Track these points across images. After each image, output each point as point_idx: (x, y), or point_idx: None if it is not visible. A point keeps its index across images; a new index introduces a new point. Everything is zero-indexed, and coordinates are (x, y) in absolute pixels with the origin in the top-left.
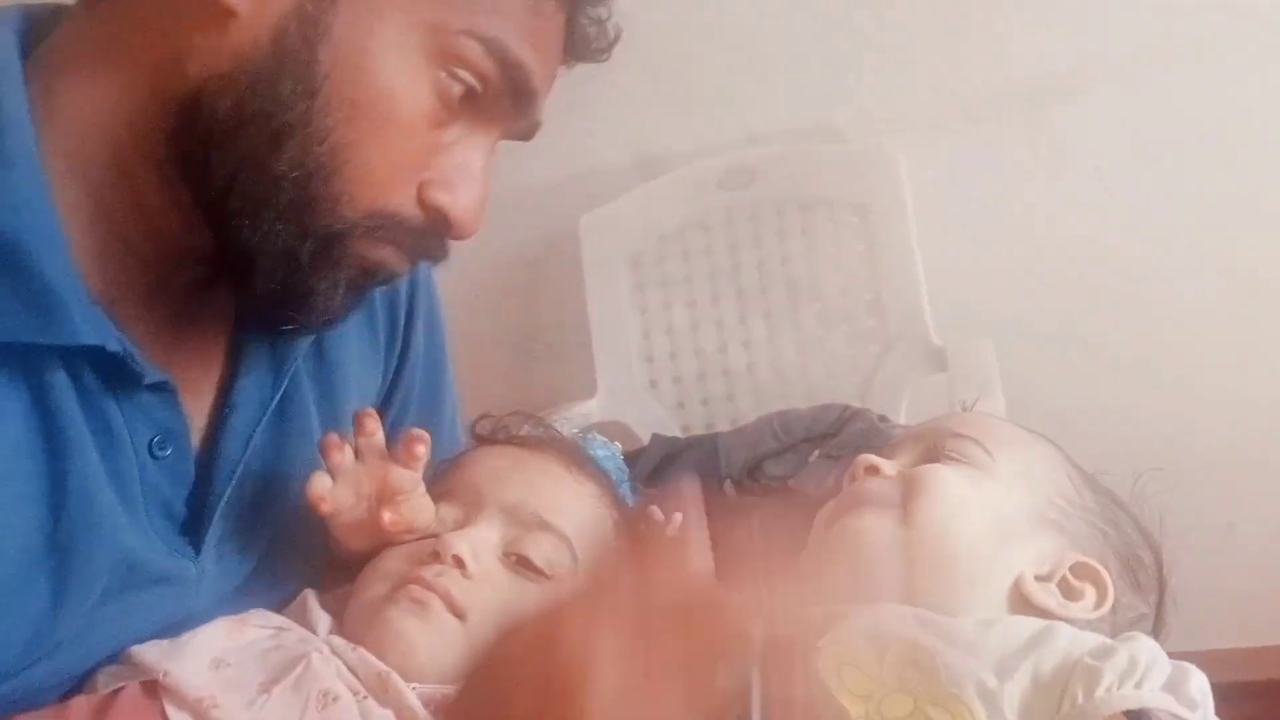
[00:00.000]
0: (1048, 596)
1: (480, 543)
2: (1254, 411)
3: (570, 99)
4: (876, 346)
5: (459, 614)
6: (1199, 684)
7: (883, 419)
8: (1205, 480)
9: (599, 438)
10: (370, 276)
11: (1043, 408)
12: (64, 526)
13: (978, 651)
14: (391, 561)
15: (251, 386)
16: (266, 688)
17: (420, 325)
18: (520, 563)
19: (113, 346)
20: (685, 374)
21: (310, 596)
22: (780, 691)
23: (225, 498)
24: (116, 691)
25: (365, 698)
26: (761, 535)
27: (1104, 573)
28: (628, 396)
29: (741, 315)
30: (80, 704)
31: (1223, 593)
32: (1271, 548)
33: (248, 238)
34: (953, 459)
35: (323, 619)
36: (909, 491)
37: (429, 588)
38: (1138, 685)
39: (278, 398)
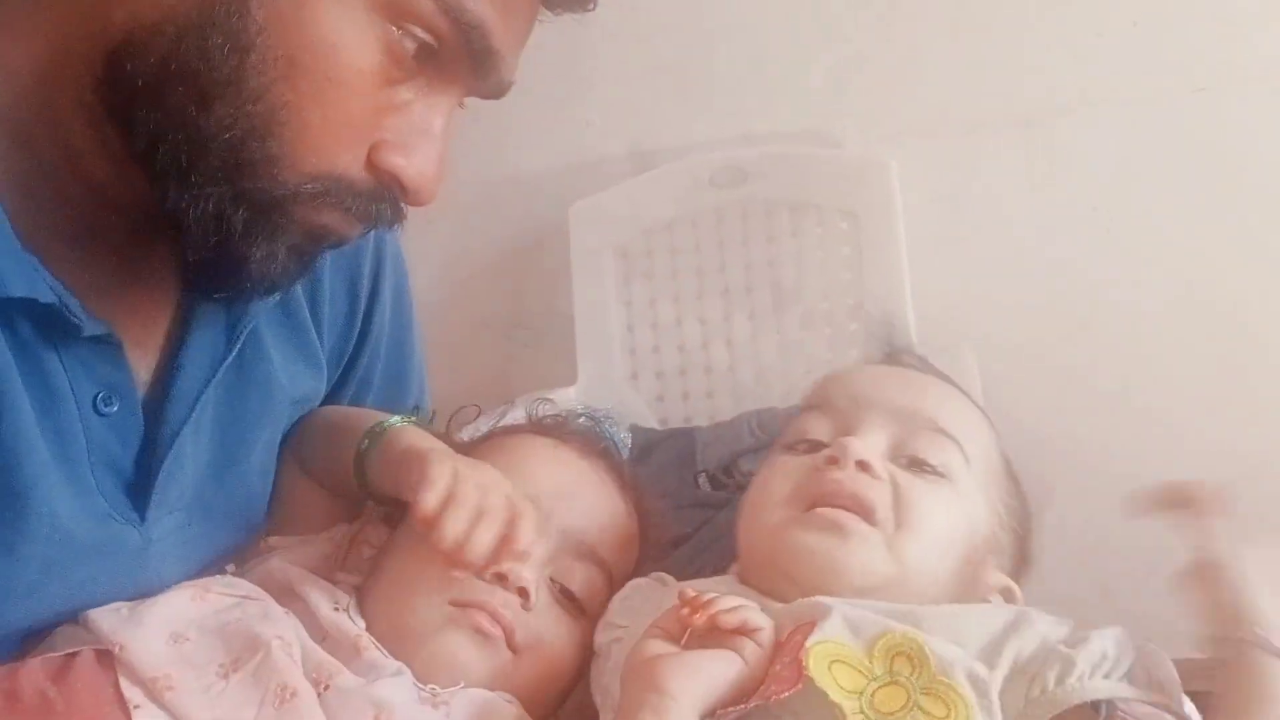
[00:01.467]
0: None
1: (540, 571)
2: (1227, 451)
3: (569, 88)
4: (857, 351)
5: (515, 650)
6: (1165, 670)
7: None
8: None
9: (616, 421)
10: (316, 242)
11: (1015, 426)
12: None
13: (963, 640)
14: (448, 564)
15: (202, 345)
16: (225, 673)
17: (386, 305)
18: (563, 593)
19: (45, 298)
20: (667, 368)
21: (297, 576)
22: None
23: (171, 457)
24: (71, 656)
25: (327, 689)
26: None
27: (1015, 590)
28: (608, 387)
29: (726, 313)
30: (35, 666)
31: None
32: None
33: (175, 200)
34: (930, 471)
35: (324, 597)
36: (899, 510)
37: (497, 620)
38: (1106, 675)
39: (232, 356)
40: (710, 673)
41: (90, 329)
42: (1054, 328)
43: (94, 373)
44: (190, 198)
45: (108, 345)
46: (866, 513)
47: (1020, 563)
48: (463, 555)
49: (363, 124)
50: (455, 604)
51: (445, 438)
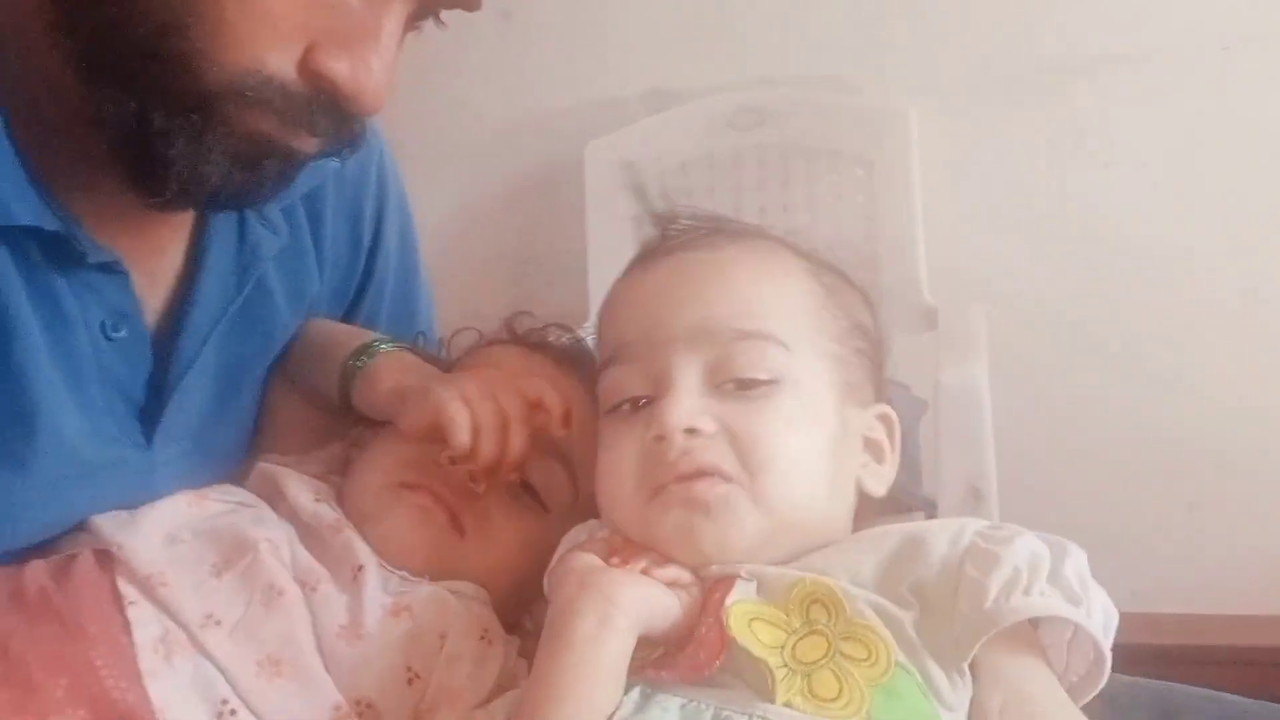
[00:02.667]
0: (874, 481)
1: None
2: (1235, 412)
3: (588, 24)
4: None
5: (460, 531)
6: (1075, 567)
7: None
8: (1170, 466)
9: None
10: (259, 151)
11: (1024, 382)
12: (6, 403)
13: (858, 577)
14: (404, 453)
15: (213, 285)
16: (217, 571)
17: (391, 246)
18: (522, 486)
19: (50, 226)
20: None
21: (283, 473)
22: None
23: (180, 389)
24: (72, 556)
25: (314, 591)
26: None
27: (890, 413)
28: None
29: None
30: (37, 566)
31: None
32: (1231, 526)
33: (98, 100)
34: (758, 385)
35: (305, 489)
36: (744, 455)
37: (439, 499)
38: (1025, 592)
39: (240, 300)
40: (658, 601)
41: (95, 256)
42: (1066, 285)
43: (101, 299)
44: (111, 96)
45: (115, 273)
46: (716, 476)
47: (881, 376)
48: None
49: (287, 20)
50: (403, 485)
51: (435, 359)
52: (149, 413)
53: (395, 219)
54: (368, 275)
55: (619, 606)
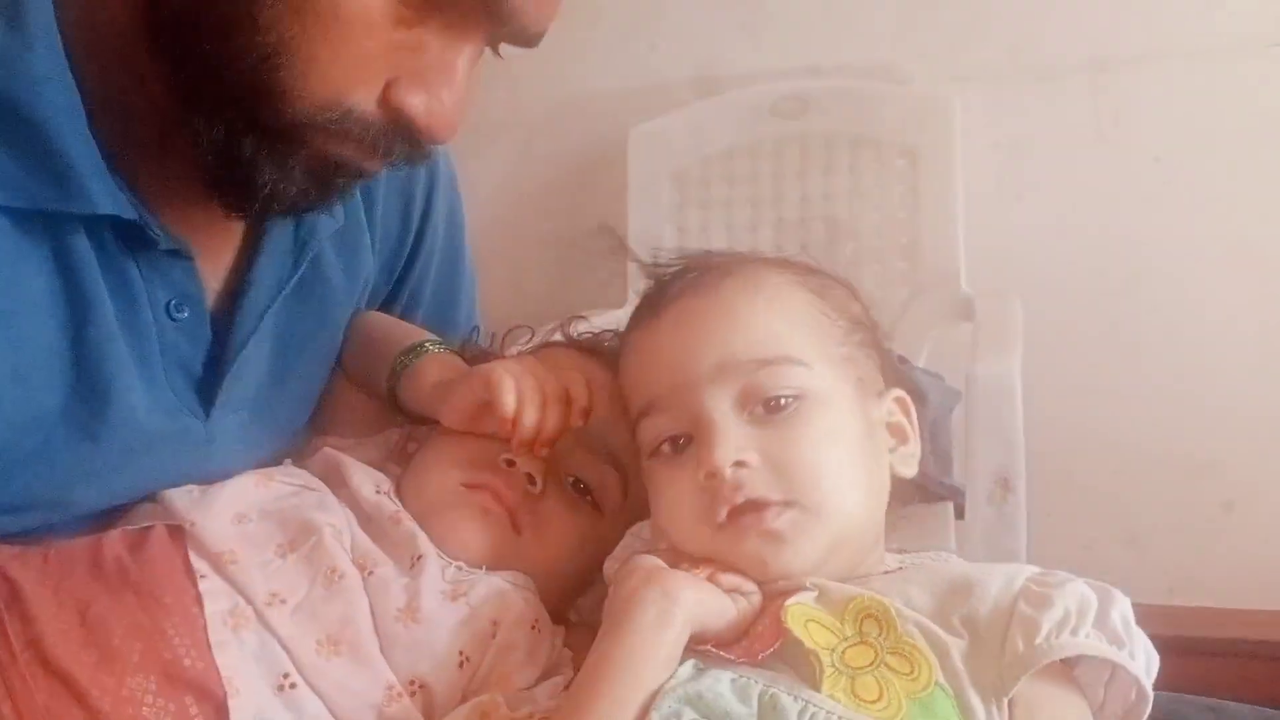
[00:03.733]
0: (903, 465)
1: (552, 462)
2: (1267, 415)
3: (636, 9)
4: (906, 290)
5: (518, 529)
6: (1121, 613)
7: (904, 361)
8: (1206, 464)
9: None
10: (334, 171)
11: (1057, 376)
12: (84, 377)
13: (915, 604)
14: (466, 454)
15: (270, 265)
16: (283, 552)
17: (439, 225)
18: (576, 485)
19: (128, 214)
20: None
21: (346, 462)
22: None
23: (237, 364)
24: (147, 529)
25: (371, 574)
26: None
27: (906, 396)
28: None
29: (778, 246)
30: (115, 537)
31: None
32: (1267, 524)
33: (189, 122)
34: (786, 399)
35: (367, 480)
36: (788, 480)
37: (499, 498)
38: (1073, 632)
39: (296, 278)
40: (714, 604)
41: (166, 243)
42: (1104, 281)
43: (168, 281)
44: (203, 121)
45: (182, 258)
46: (773, 502)
47: (887, 359)
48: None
49: (373, 61)
50: (466, 485)
51: (488, 354)
52: (208, 386)
53: (444, 201)
54: (414, 254)
55: (678, 603)
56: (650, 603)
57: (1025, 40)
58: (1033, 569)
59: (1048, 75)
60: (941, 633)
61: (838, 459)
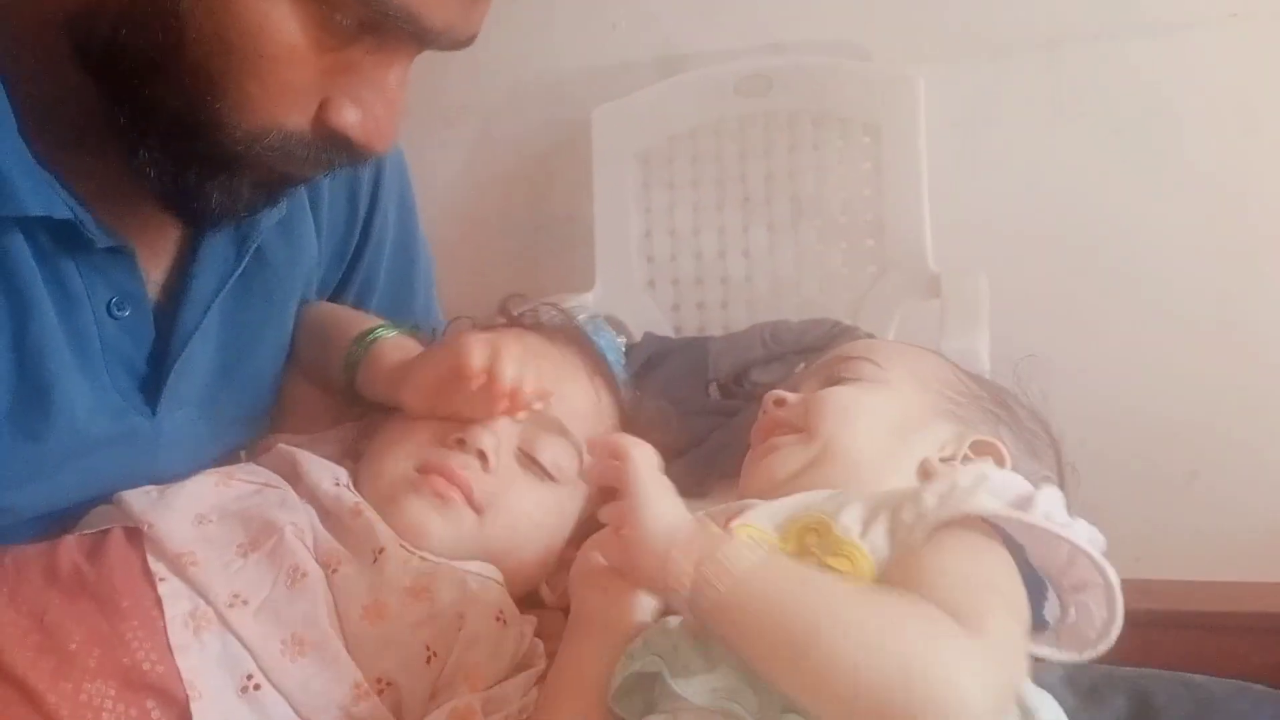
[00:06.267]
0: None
1: (503, 437)
2: (1226, 386)
3: None
4: (873, 267)
5: (477, 509)
6: (1048, 499)
7: (870, 338)
8: (1170, 434)
9: (607, 327)
10: (280, 183)
11: (1023, 350)
12: (26, 380)
13: (853, 513)
14: (417, 437)
15: (212, 258)
16: (244, 552)
17: (389, 210)
18: (529, 462)
19: (61, 214)
20: (684, 277)
21: (302, 456)
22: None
23: (182, 360)
24: (104, 533)
25: (335, 572)
26: (741, 435)
27: (999, 444)
28: (625, 293)
29: (745, 224)
30: (69, 543)
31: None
32: (1229, 494)
33: (135, 155)
34: (848, 379)
35: (325, 473)
36: (810, 412)
37: (452, 480)
38: (966, 496)
39: (239, 270)
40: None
41: (104, 241)
42: (1067, 255)
43: (109, 279)
44: (147, 154)
45: (122, 255)
46: (785, 425)
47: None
48: (516, 392)
49: (305, 88)
50: (420, 470)
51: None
52: (153, 383)
53: (393, 184)
54: (364, 239)
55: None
56: (598, 609)
57: (983, 17)
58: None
59: (1008, 51)
60: (867, 530)
61: (859, 400)
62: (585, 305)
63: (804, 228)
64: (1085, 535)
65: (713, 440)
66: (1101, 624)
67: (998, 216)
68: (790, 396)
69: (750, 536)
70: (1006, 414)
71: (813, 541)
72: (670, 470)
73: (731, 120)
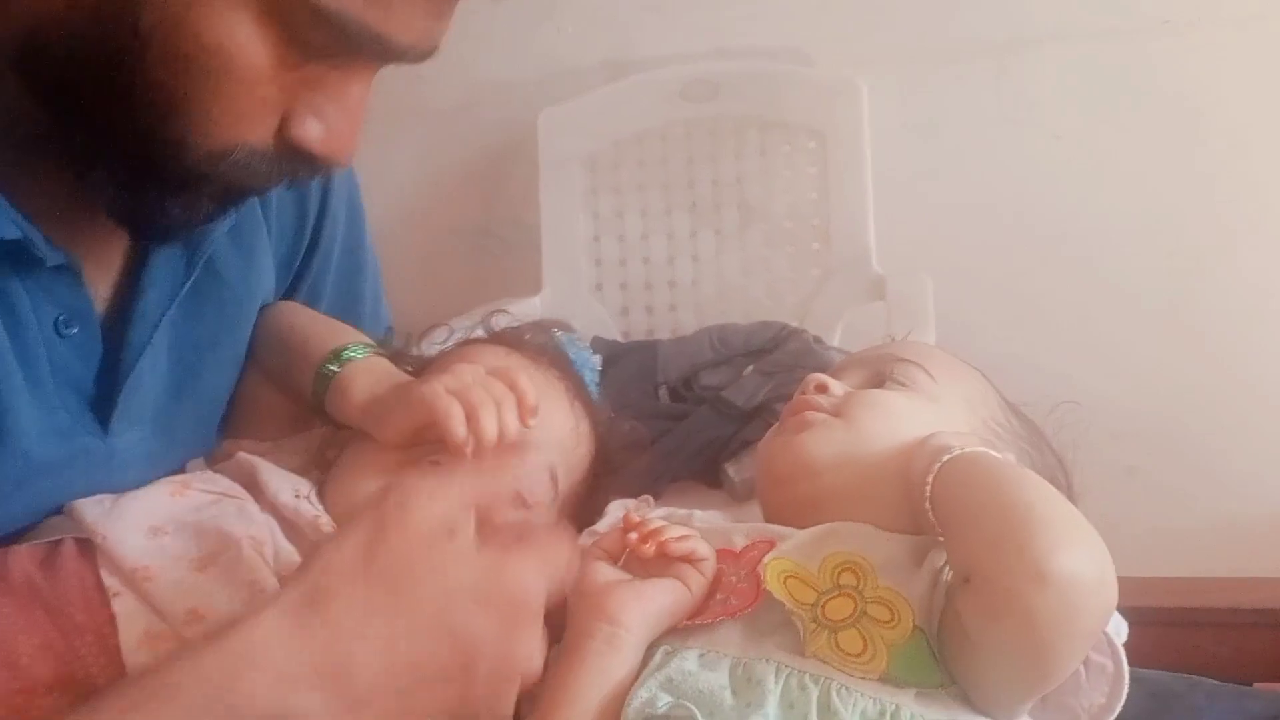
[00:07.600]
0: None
1: None
2: (1174, 379)
3: None
4: (819, 271)
5: None
6: None
7: (818, 341)
8: (1112, 432)
9: (584, 345)
10: (238, 194)
11: (969, 352)
12: None
13: (886, 553)
14: (389, 457)
15: (161, 271)
16: (200, 565)
17: (339, 216)
18: None
19: (9, 234)
20: (632, 281)
21: (262, 466)
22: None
23: (133, 377)
24: (56, 544)
25: None
26: (691, 438)
27: None
28: (573, 297)
29: (692, 229)
30: (20, 553)
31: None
32: (1166, 489)
33: (91, 175)
34: (899, 383)
35: (285, 485)
36: (853, 404)
37: None
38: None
39: (189, 283)
40: (660, 604)
41: (52, 259)
42: (1013, 257)
43: (54, 297)
44: (103, 174)
45: (67, 272)
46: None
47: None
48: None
49: (267, 105)
50: None
51: (406, 356)
52: (104, 402)
53: (342, 190)
54: (313, 246)
55: (624, 626)
56: (597, 633)
57: (931, 22)
58: None
59: (953, 57)
60: (919, 584)
61: (897, 403)
62: (533, 309)
63: (751, 232)
64: (1113, 624)
65: (662, 444)
66: (1092, 707)
67: (943, 220)
68: (834, 384)
69: (784, 570)
70: (1038, 456)
71: (850, 582)
72: (623, 475)
73: (678, 125)
